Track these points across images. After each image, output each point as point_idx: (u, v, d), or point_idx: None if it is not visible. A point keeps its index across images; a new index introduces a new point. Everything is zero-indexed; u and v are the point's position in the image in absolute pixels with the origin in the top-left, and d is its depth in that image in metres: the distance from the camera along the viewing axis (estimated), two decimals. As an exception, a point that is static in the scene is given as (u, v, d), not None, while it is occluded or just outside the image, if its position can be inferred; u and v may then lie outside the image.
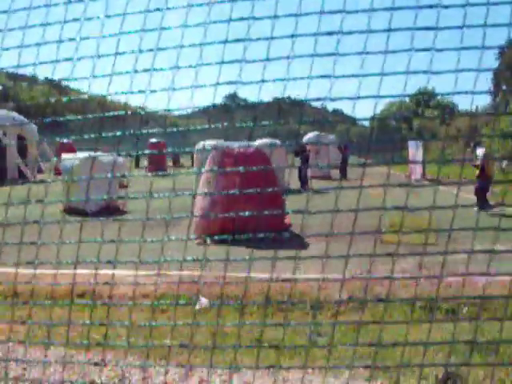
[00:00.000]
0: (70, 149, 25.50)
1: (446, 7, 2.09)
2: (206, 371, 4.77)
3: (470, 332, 4.57)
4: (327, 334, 5.57)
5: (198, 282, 4.78)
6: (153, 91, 2.47)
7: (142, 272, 6.97)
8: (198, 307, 6.54)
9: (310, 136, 32.34)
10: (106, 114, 2.79)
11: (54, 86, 64.38)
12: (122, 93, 2.57)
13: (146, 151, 31.03)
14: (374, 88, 2.29)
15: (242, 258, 2.69)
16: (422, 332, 4.70)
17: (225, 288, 6.65)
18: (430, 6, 2.11)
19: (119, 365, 4.66)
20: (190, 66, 2.41)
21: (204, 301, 6.67)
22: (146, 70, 2.45)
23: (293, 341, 5.27)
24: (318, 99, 2.31)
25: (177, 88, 2.42)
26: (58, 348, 4.80)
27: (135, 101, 3.23)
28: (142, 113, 3.28)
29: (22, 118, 25.80)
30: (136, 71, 2.45)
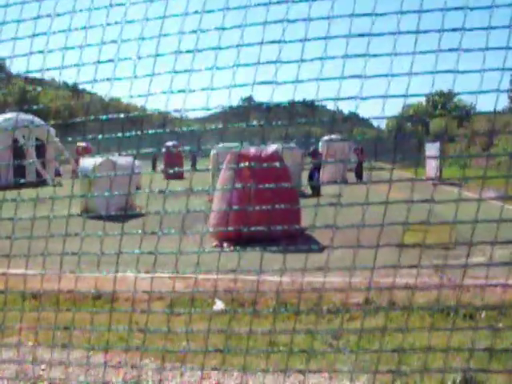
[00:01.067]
0: (88, 151, 25.68)
1: (472, 9, 2.10)
2: (221, 373, 4.77)
3: (488, 337, 4.54)
4: (344, 338, 5.55)
5: (233, 289, 4.82)
6: (191, 91, 2.52)
7: (157, 275, 6.97)
8: (214, 309, 6.56)
9: (325, 139, 32.21)
10: (145, 131, 2.83)
11: (70, 89, 64.77)
12: (163, 92, 2.61)
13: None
14: (401, 88, 2.32)
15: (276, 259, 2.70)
16: (440, 336, 4.67)
17: (240, 291, 6.65)
18: (457, 9, 2.12)
19: (135, 367, 4.68)
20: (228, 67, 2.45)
21: (220, 304, 6.68)
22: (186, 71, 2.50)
23: (309, 344, 5.25)
24: (351, 97, 2.33)
25: (216, 87, 2.46)
26: (76, 350, 4.83)
27: (154, 104, 3.26)
28: (178, 125, 3.34)
29: (40, 121, 26.02)
30: (176, 72, 2.49)
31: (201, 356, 4.85)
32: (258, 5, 2.42)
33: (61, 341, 4.58)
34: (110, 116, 2.92)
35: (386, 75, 2.26)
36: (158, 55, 2.59)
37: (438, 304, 5.78)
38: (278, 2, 2.39)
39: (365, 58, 2.27)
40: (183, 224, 2.88)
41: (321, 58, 2.32)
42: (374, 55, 2.28)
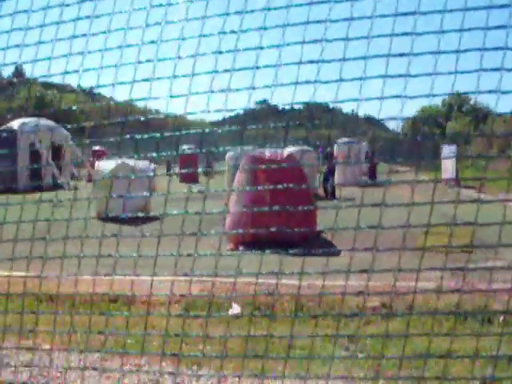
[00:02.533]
0: (103, 155, 25.82)
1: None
2: (237, 377, 4.76)
3: (508, 341, 4.48)
4: (359, 342, 5.52)
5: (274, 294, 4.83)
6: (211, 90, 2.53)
7: (174, 278, 6.98)
8: (230, 313, 6.56)
9: (340, 142, 32.13)
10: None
11: (86, 93, 65.21)
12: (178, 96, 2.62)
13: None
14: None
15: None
16: (458, 341, 4.62)
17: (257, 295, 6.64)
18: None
19: (152, 370, 4.69)
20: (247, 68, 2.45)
21: (236, 307, 6.67)
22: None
23: (325, 348, 5.23)
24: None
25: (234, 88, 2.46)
26: (93, 353, 4.85)
27: (172, 108, 3.28)
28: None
29: (57, 125, 26.20)
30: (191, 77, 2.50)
31: (218, 359, 4.86)
32: (279, 7, 2.42)
33: (76, 343, 4.59)
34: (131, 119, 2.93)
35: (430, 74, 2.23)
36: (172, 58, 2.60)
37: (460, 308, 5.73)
38: (300, 4, 2.38)
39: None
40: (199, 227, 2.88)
41: (341, 59, 2.31)
42: (418, 54, 2.25)
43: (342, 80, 2.31)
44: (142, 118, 3.05)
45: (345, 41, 2.30)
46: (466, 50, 2.17)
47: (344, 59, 2.31)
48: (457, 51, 2.17)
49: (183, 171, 33.77)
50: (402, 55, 2.22)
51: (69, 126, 3.82)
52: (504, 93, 2.13)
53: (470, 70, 2.17)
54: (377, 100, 2.31)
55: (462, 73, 2.18)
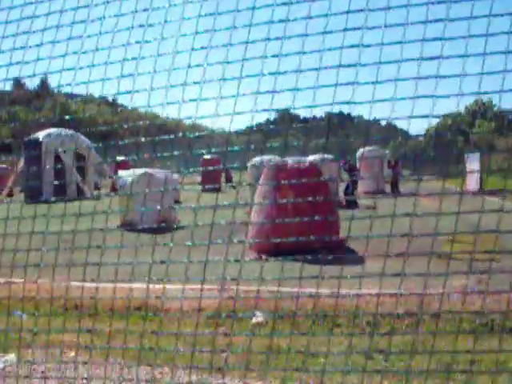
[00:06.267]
0: (127, 166, 25.92)
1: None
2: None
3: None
4: (384, 350, 5.46)
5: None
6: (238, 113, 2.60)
7: (194, 286, 6.99)
8: (254, 321, 6.55)
9: (361, 151, 31.88)
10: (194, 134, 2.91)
11: (108, 103, 65.72)
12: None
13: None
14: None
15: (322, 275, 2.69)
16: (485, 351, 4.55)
17: (280, 303, 6.62)
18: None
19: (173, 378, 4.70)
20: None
21: (259, 315, 6.66)
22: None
23: (349, 357, 5.19)
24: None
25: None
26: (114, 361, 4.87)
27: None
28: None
29: (79, 135, 26.50)
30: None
31: (241, 368, 4.85)
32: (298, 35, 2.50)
33: (100, 352, 4.62)
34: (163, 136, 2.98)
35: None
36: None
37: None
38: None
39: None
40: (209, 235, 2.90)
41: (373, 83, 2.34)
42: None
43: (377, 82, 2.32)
44: (190, 134, 3.13)
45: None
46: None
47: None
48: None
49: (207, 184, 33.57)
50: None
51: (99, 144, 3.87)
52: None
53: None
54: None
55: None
